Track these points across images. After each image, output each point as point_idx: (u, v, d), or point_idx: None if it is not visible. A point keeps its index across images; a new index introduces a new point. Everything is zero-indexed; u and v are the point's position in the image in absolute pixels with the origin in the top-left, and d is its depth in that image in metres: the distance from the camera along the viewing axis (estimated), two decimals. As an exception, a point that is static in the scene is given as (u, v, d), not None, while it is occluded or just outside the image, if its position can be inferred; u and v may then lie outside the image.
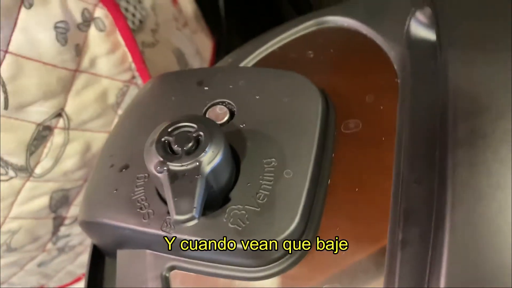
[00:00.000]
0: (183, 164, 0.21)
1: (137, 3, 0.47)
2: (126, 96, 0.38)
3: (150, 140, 0.22)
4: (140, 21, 0.47)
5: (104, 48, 0.34)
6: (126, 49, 0.35)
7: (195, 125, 0.22)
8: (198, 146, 0.21)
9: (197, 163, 0.21)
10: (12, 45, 0.30)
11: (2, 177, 0.35)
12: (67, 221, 0.43)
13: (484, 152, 0.16)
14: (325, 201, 0.24)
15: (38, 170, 0.36)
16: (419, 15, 0.27)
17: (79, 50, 0.33)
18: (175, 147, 0.21)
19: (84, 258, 0.51)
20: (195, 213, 0.20)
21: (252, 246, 0.21)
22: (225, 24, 0.79)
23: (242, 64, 0.31)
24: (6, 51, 0.29)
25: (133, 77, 0.37)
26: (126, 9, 0.46)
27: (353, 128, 0.26)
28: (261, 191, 0.23)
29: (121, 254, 0.26)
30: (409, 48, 0.27)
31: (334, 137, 0.26)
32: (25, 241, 0.41)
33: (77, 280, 0.54)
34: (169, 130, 0.22)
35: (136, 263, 0.25)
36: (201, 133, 0.22)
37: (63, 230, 0.44)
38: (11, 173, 0.35)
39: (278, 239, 0.21)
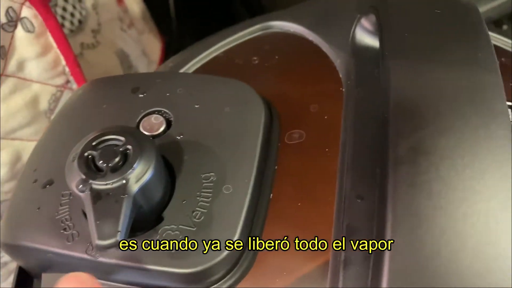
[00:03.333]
0: (107, 182, 0.19)
1: (76, 2, 0.45)
2: (60, 101, 0.35)
3: (72, 155, 0.20)
4: (80, 21, 0.45)
5: (33, 50, 0.31)
6: (58, 52, 0.32)
7: (122, 138, 0.20)
8: (125, 162, 0.19)
9: (124, 181, 0.19)
10: None
11: None
12: (-3, 237, 0.40)
13: (425, 171, 0.15)
14: (266, 215, 0.22)
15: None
16: (364, 21, 0.27)
17: (4, 53, 0.30)
18: (100, 163, 0.19)
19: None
20: (119, 237, 0.18)
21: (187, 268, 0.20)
22: (176, 25, 0.77)
23: (183, 69, 0.30)
24: None
25: (67, 81, 0.34)
26: (64, 9, 0.43)
27: (297, 139, 0.25)
28: (197, 209, 0.21)
29: (46, 278, 0.24)
30: (354, 55, 0.26)
31: (278, 149, 0.25)
32: None
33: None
34: (94, 143, 0.20)
35: (62, 288, 0.23)
36: (129, 147, 0.20)
37: (-7, 246, 0.40)
38: None
39: (214, 260, 0.20)
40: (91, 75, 0.44)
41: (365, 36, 0.26)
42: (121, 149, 0.20)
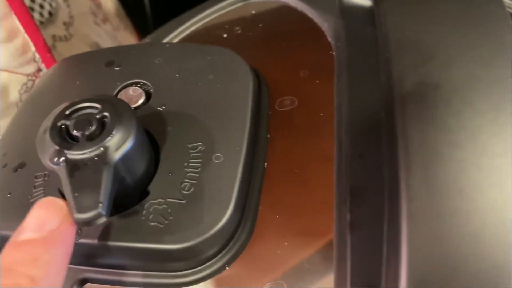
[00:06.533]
0: (84, 151, 0.17)
1: (45, -7, 0.43)
2: (32, 92, 0.33)
3: (44, 127, 0.18)
4: (50, 13, 0.42)
5: (-2, 35, 0.29)
6: (26, 37, 0.30)
7: (98, 105, 0.18)
8: (103, 130, 0.17)
9: (102, 149, 0.17)
10: None
11: None
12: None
13: (437, 105, 0.13)
14: (262, 186, 0.21)
15: None
16: (351, -20, 0.25)
17: (-34, 38, 0.28)
18: (75, 132, 0.17)
19: None
20: (101, 209, 0.16)
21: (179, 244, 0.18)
22: (152, 22, 0.75)
23: (161, 45, 0.28)
24: None
25: (39, 69, 0.32)
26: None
27: (288, 105, 0.23)
28: (186, 180, 0.19)
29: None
30: (342, 16, 0.25)
31: (269, 116, 0.23)
32: None
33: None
34: (67, 113, 0.18)
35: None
36: (106, 113, 0.18)
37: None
38: None
39: (209, 233, 0.18)
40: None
41: (353, -5, 0.25)
42: (97, 117, 0.18)
